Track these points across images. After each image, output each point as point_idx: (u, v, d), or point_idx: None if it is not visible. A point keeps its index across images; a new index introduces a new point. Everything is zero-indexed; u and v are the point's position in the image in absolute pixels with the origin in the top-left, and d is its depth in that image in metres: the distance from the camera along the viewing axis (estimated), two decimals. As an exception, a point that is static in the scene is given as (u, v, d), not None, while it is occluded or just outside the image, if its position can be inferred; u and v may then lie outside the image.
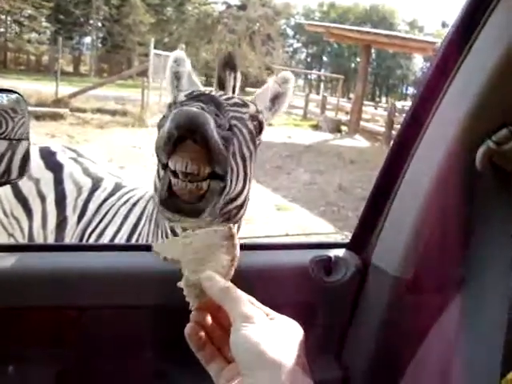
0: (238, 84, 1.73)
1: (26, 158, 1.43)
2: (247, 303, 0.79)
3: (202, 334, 0.84)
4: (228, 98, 1.59)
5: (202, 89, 1.76)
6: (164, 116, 1.55)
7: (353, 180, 11.44)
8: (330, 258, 1.40)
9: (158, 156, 1.37)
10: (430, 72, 1.27)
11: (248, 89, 21.54)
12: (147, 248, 1.39)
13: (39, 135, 11.58)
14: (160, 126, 1.48)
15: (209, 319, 0.86)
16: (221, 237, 0.87)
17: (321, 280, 1.36)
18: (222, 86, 1.68)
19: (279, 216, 8.05)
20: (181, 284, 0.85)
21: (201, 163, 1.29)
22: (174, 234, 1.65)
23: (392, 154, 1.36)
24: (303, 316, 0.87)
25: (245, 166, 1.54)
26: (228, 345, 0.77)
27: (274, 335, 0.75)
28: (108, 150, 11.54)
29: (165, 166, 1.35)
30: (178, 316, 1.31)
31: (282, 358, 0.71)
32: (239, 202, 1.57)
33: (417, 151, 1.28)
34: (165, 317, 1.32)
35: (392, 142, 1.39)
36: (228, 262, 0.85)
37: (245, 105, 1.61)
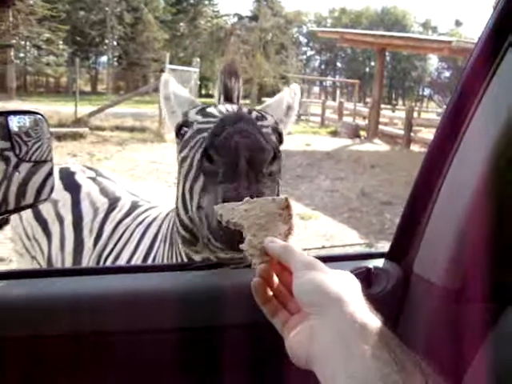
0: (241, 93, 1.68)
1: (49, 179, 1.40)
2: (305, 254, 0.84)
3: (267, 288, 0.89)
4: (249, 112, 1.53)
5: (198, 103, 1.71)
6: (185, 142, 1.51)
7: (375, 185, 11.33)
8: (369, 269, 1.34)
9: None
10: (466, 74, 1.21)
11: (264, 99, 21.57)
12: (163, 268, 1.36)
13: (61, 155, 11.73)
14: (184, 157, 1.46)
15: (273, 274, 0.90)
16: (278, 206, 0.96)
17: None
18: (228, 96, 1.64)
19: (303, 225, 7.98)
20: (243, 246, 0.92)
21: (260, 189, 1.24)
22: (188, 255, 1.60)
23: (429, 159, 1.30)
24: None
25: (274, 182, 1.45)
26: (291, 300, 0.85)
27: (335, 277, 0.80)
28: (128, 166, 11.64)
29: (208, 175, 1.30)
30: (199, 337, 1.27)
31: (346, 295, 0.75)
32: None
33: (456, 155, 1.22)
34: (185, 339, 1.28)
35: (429, 146, 1.33)
36: (285, 230, 0.94)
37: (264, 117, 1.54)
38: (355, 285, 0.82)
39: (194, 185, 1.39)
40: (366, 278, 1.33)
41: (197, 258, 1.53)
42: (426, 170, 1.31)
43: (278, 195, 1.45)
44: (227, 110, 1.52)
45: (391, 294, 1.31)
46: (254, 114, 1.53)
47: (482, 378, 1.17)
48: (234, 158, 1.20)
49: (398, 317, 1.34)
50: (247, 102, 29.61)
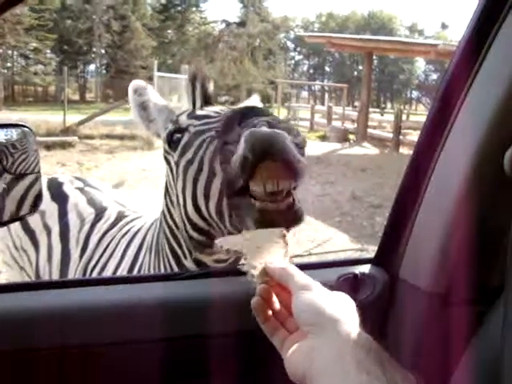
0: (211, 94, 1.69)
1: (38, 191, 1.40)
2: (304, 276, 0.87)
3: (266, 307, 0.91)
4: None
5: (186, 107, 1.70)
6: (165, 150, 1.54)
7: (365, 188, 11.35)
8: (356, 275, 1.35)
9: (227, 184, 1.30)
10: (449, 75, 1.23)
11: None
12: (149, 279, 1.36)
13: (50, 164, 11.65)
14: (189, 161, 1.46)
15: (272, 294, 0.92)
16: (276, 236, 1.02)
17: (348, 299, 1.31)
18: (207, 100, 1.64)
19: (294, 230, 7.96)
20: (244, 268, 0.95)
21: (287, 179, 1.24)
22: (178, 262, 1.63)
23: (413, 163, 1.32)
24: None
25: None
26: (289, 320, 0.88)
27: (331, 298, 0.82)
28: (118, 175, 11.58)
29: (239, 193, 1.28)
30: (188, 347, 1.27)
31: (342, 315, 0.78)
32: None
33: (439, 158, 1.24)
34: (174, 349, 1.28)
35: (413, 151, 1.34)
36: (283, 253, 0.98)
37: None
38: (351, 305, 0.84)
39: (210, 183, 1.38)
40: (353, 284, 1.34)
41: (209, 261, 1.56)
42: (410, 174, 1.33)
43: None
44: (217, 112, 1.53)
45: (378, 300, 1.33)
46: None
47: (468, 379, 1.18)
48: (254, 151, 1.17)
49: (385, 321, 1.35)
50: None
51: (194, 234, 1.53)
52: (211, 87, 1.66)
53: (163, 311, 1.25)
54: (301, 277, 0.86)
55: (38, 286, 1.34)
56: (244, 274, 0.95)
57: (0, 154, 1.29)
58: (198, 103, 1.64)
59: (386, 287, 1.34)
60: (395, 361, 0.75)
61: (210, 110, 1.56)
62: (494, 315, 1.17)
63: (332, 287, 1.28)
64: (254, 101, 1.93)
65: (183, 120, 1.56)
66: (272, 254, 0.97)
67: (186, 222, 1.55)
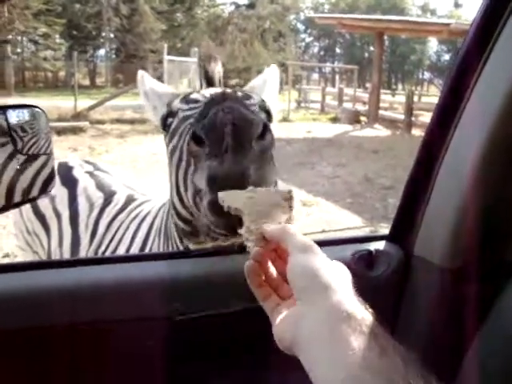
0: (222, 76, 1.66)
1: (50, 173, 1.40)
2: (303, 237, 0.84)
3: (260, 271, 0.90)
4: (234, 92, 1.48)
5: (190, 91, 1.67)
6: (171, 134, 1.49)
7: (377, 170, 11.30)
8: (370, 251, 1.35)
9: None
10: (460, 57, 1.21)
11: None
12: (159, 257, 1.36)
13: (61, 149, 11.70)
14: (173, 148, 1.44)
15: (267, 259, 0.91)
16: (281, 197, 0.98)
17: (363, 276, 1.30)
18: (210, 81, 1.61)
19: (305, 211, 7.98)
20: (241, 230, 0.93)
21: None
22: (187, 246, 1.60)
23: (428, 140, 1.30)
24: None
25: (270, 163, 1.42)
26: (283, 286, 0.87)
27: (326, 264, 0.80)
28: (129, 159, 11.62)
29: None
30: (197, 325, 1.28)
31: (336, 283, 0.75)
32: None
33: (454, 134, 1.22)
34: (183, 327, 1.28)
35: (427, 127, 1.32)
36: (285, 219, 0.94)
37: (250, 96, 1.50)
38: (346, 275, 0.82)
39: (187, 174, 1.36)
40: (368, 261, 1.34)
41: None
42: (424, 150, 1.31)
43: (275, 181, 1.45)
44: (211, 94, 1.47)
45: (393, 276, 1.32)
46: (240, 93, 1.49)
47: (483, 354, 1.18)
48: (219, 134, 1.17)
49: (401, 298, 1.35)
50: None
51: (179, 223, 1.52)
52: (217, 69, 1.63)
53: (171, 289, 1.25)
54: (300, 237, 0.84)
55: (48, 264, 1.34)
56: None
57: (12, 135, 1.29)
58: (204, 85, 1.62)
59: (401, 264, 1.33)
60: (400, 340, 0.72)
61: (203, 93, 1.51)
62: (511, 290, 1.15)
63: (346, 264, 1.29)
64: (273, 72, 1.88)
65: (175, 104, 1.53)
66: (273, 218, 0.94)
67: (172, 209, 1.55)
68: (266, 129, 1.26)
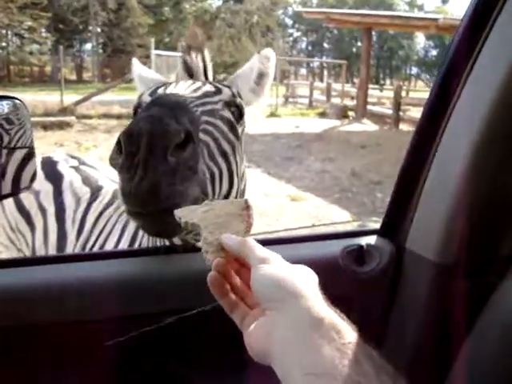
0: (209, 65, 1.60)
1: (31, 166, 1.36)
2: (263, 249, 0.83)
3: (224, 282, 0.88)
4: (196, 89, 1.42)
5: (161, 81, 1.60)
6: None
7: (365, 165, 11.32)
8: (361, 246, 1.32)
9: None
10: (452, 51, 1.18)
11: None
12: (144, 253, 1.32)
13: (48, 145, 11.59)
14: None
15: (229, 269, 0.89)
16: (238, 207, 0.95)
17: (353, 271, 1.28)
18: (190, 72, 1.54)
19: (294, 207, 7.96)
20: (199, 244, 0.93)
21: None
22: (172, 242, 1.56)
23: (420, 132, 1.27)
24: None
25: (228, 163, 1.37)
26: (249, 295, 0.85)
27: (291, 271, 0.78)
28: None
29: None
30: (185, 322, 1.25)
31: (303, 290, 0.73)
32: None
33: (447, 126, 1.19)
34: (170, 324, 1.25)
35: (419, 120, 1.29)
36: (244, 228, 0.92)
37: (217, 92, 1.43)
38: (313, 279, 0.79)
39: None
40: (359, 256, 1.31)
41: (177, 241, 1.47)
42: (416, 143, 1.28)
43: (233, 178, 1.39)
44: (173, 89, 1.42)
45: (384, 271, 1.29)
46: (206, 88, 1.43)
47: (478, 350, 1.15)
48: (134, 145, 1.08)
49: (392, 293, 1.32)
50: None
51: None
52: (199, 57, 1.57)
53: (158, 286, 1.23)
54: (260, 250, 0.82)
55: (33, 261, 1.30)
56: None
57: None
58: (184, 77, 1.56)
59: (392, 258, 1.31)
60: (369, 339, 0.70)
61: (169, 88, 1.44)
62: (505, 286, 1.13)
63: (336, 259, 1.27)
64: (265, 55, 1.74)
65: (144, 96, 1.46)
66: (231, 228, 0.92)
67: None
68: (188, 139, 1.14)
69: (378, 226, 1.42)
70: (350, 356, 0.64)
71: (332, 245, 1.32)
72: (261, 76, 1.72)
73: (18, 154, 1.34)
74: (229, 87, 1.51)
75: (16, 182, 1.31)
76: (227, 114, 1.41)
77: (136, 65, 1.80)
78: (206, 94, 1.39)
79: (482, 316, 1.17)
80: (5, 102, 1.37)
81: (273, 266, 0.79)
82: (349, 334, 0.68)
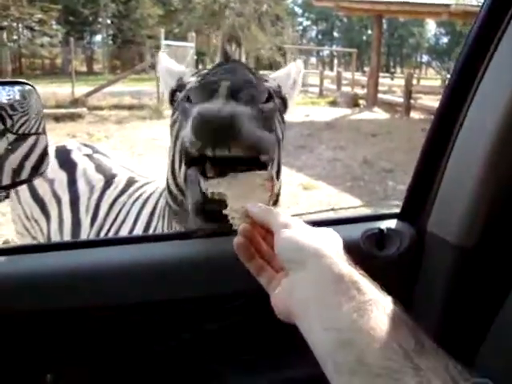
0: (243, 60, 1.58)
1: (44, 153, 1.33)
2: (286, 216, 0.86)
3: (250, 246, 0.91)
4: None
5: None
6: (175, 108, 1.40)
7: (376, 153, 11.25)
8: (381, 230, 1.28)
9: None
10: (474, 32, 1.15)
11: (262, 72, 21.44)
12: (163, 238, 1.31)
13: (60, 136, 11.61)
14: (174, 121, 1.36)
15: (256, 234, 0.92)
16: (261, 178, 1.01)
17: (374, 255, 1.25)
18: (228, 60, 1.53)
19: (306, 195, 7.93)
20: (226, 211, 0.95)
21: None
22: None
23: (442, 112, 1.23)
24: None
25: (279, 148, 1.36)
26: (276, 259, 0.87)
27: (312, 233, 0.81)
28: (128, 144, 11.55)
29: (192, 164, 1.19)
30: (203, 306, 1.23)
31: (324, 249, 0.75)
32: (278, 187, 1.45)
33: (471, 106, 1.16)
34: (187, 308, 1.26)
35: (441, 98, 1.25)
36: (267, 197, 0.98)
37: (266, 80, 1.41)
38: (336, 240, 0.82)
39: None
40: (379, 240, 1.28)
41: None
42: (438, 123, 1.24)
43: (278, 160, 1.37)
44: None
45: (406, 255, 1.26)
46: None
47: (504, 336, 1.12)
48: (212, 87, 1.05)
49: (415, 277, 1.29)
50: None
51: (170, 202, 1.45)
52: (238, 50, 1.54)
53: (172, 271, 1.21)
54: (283, 216, 0.85)
55: (49, 247, 1.28)
56: None
57: (3, 115, 1.23)
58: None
59: (413, 242, 1.27)
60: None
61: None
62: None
63: (356, 244, 1.24)
64: (298, 65, 1.79)
65: (186, 78, 1.45)
66: (255, 197, 0.97)
67: (166, 188, 1.48)
68: (270, 96, 1.15)
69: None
70: (369, 312, 0.65)
71: (352, 229, 1.29)
72: (294, 83, 1.77)
73: (29, 141, 1.32)
74: (274, 79, 1.50)
75: (31, 168, 1.29)
76: (277, 101, 1.35)
77: (162, 57, 1.77)
78: (258, 78, 1.34)
79: (509, 300, 1.13)
80: (16, 88, 1.35)
81: (294, 229, 0.81)
82: (369, 290, 0.69)
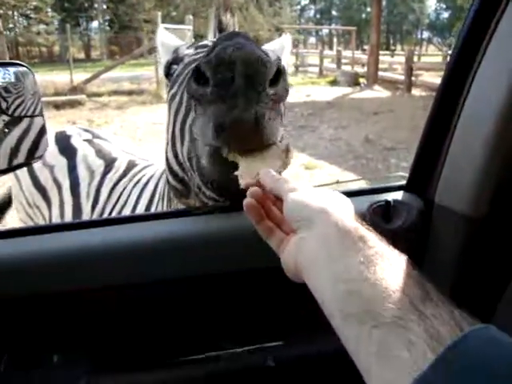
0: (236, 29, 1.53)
1: (41, 134, 1.31)
2: (296, 182, 0.86)
3: (259, 208, 0.91)
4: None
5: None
6: (172, 82, 1.35)
7: (378, 131, 11.21)
8: (388, 202, 1.26)
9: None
10: (476, 4, 1.11)
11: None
12: (165, 216, 1.29)
13: (60, 123, 11.59)
14: (173, 95, 1.31)
15: (265, 197, 0.92)
16: (278, 148, 1.01)
17: (381, 228, 1.22)
18: (223, 30, 1.45)
19: (308, 175, 7.91)
20: (237, 172, 0.96)
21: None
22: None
23: (447, 82, 1.20)
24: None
25: (281, 112, 1.30)
26: (285, 222, 0.88)
27: (318, 193, 0.82)
28: (129, 129, 11.54)
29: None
30: (210, 283, 1.24)
31: (331, 207, 0.75)
32: None
33: (477, 74, 1.12)
34: (193, 286, 1.26)
35: (445, 70, 1.21)
36: (280, 165, 0.98)
37: (265, 51, 1.37)
38: (343, 200, 0.82)
39: (185, 123, 1.21)
40: (386, 212, 1.25)
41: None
42: (443, 93, 1.21)
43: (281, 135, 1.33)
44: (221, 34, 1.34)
45: (413, 227, 1.23)
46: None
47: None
48: (228, 72, 0.96)
49: (423, 249, 1.27)
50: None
51: (171, 180, 1.40)
52: (231, 20, 1.48)
53: (175, 248, 1.19)
54: (291, 182, 0.86)
55: (50, 228, 1.26)
56: None
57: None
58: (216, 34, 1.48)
59: (421, 213, 1.25)
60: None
61: (212, 41, 1.36)
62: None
63: (363, 216, 1.21)
64: (286, 39, 1.77)
65: (182, 50, 1.43)
66: (268, 162, 0.97)
67: (165, 165, 1.42)
68: (279, 73, 1.04)
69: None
70: (376, 263, 0.65)
71: (358, 201, 1.26)
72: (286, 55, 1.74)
73: (24, 123, 1.30)
74: (273, 51, 1.44)
75: (28, 151, 1.27)
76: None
77: (160, 31, 1.73)
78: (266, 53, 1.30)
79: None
80: (11, 69, 1.32)
81: (302, 192, 0.82)
82: (376, 244, 0.69)
